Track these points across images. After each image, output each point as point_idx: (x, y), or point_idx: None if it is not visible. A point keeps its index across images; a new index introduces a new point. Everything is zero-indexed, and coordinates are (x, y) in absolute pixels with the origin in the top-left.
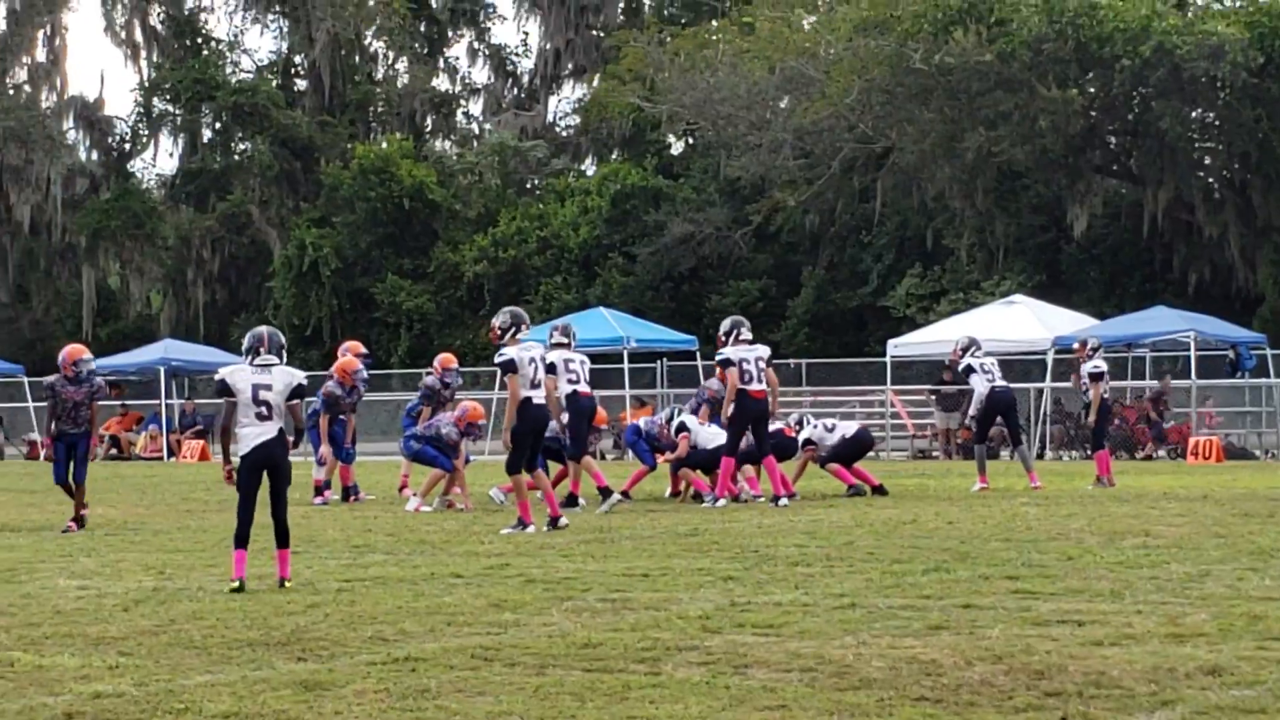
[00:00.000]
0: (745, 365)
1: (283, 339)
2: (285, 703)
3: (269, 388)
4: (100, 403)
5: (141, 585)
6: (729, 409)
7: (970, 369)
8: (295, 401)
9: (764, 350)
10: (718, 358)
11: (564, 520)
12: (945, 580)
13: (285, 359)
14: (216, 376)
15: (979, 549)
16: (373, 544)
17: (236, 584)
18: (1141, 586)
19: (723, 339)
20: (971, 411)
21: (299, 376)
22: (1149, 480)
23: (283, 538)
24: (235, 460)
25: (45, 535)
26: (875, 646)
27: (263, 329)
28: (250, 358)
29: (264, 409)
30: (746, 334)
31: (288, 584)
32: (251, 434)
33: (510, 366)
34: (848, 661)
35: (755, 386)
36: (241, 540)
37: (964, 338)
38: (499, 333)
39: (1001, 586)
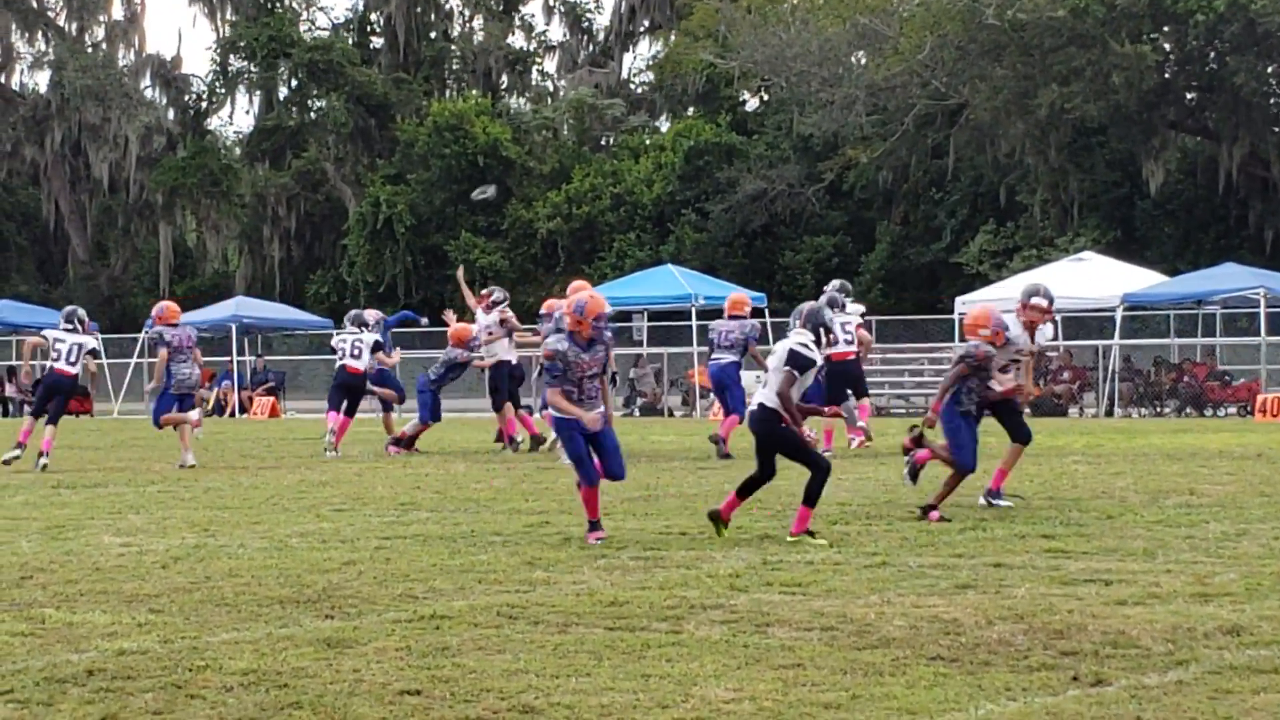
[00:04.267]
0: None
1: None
2: (305, 660)
3: None
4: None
5: (184, 542)
6: None
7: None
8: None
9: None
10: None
11: None
12: (980, 539)
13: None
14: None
15: (1021, 507)
16: (419, 502)
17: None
18: (1175, 545)
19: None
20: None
21: None
22: (1209, 438)
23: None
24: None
25: (99, 492)
26: (899, 605)
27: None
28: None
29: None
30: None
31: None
32: None
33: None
34: (869, 620)
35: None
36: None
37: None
38: None
39: (1035, 545)
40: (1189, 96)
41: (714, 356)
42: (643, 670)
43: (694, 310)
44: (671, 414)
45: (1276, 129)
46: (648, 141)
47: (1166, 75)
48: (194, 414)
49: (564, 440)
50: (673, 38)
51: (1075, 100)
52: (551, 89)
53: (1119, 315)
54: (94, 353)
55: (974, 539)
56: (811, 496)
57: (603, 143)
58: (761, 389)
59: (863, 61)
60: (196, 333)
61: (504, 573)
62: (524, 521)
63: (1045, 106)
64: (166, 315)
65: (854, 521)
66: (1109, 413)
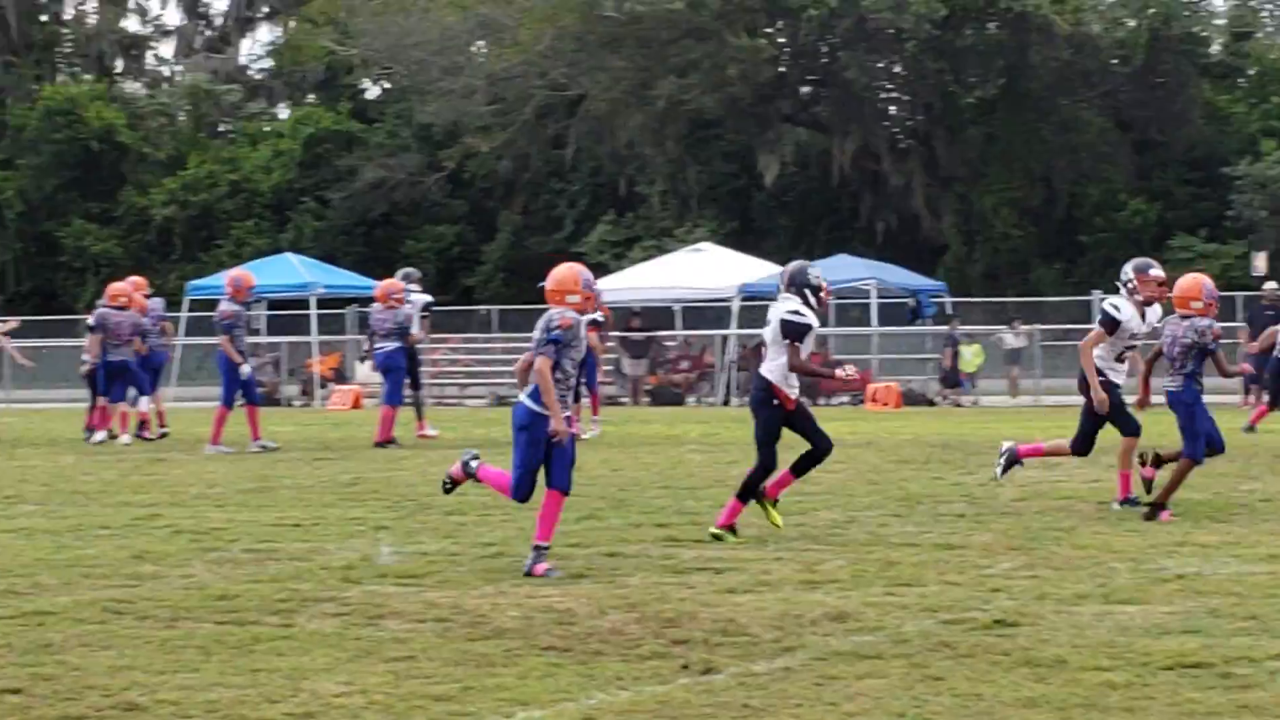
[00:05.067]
0: None
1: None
2: None
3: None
4: None
5: None
6: None
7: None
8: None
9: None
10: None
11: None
12: (596, 528)
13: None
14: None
15: (636, 496)
16: (24, 494)
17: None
18: (786, 533)
19: None
20: None
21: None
22: (822, 427)
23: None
24: None
25: None
26: (513, 596)
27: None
28: None
29: None
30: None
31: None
32: None
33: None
34: (483, 612)
35: None
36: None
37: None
38: None
39: (650, 534)
40: (803, 90)
41: (377, 345)
42: (252, 665)
43: (313, 299)
44: (290, 404)
45: (886, 124)
46: (266, 128)
47: (781, 69)
48: None
49: (525, 440)
50: (292, 24)
51: (692, 92)
52: (168, 74)
53: (736, 305)
54: None
55: (589, 528)
56: (799, 469)
57: (220, 129)
58: (763, 363)
59: (483, 51)
60: None
61: (111, 567)
62: (133, 514)
63: (663, 98)
64: None
65: (470, 512)
66: (726, 401)
